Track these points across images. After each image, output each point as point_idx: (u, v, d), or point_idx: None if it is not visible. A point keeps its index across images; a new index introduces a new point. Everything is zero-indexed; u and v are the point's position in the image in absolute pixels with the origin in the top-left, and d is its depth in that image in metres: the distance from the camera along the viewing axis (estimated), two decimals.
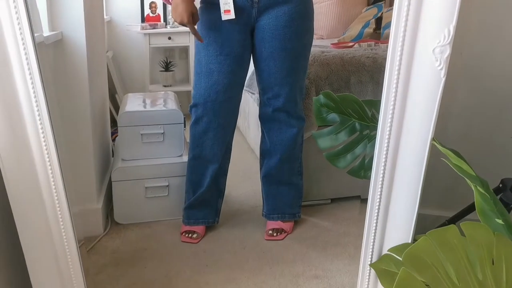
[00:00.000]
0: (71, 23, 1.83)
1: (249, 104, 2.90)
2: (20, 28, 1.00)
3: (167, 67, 3.80)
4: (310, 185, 2.23)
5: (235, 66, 1.82)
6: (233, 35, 1.78)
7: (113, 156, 2.46)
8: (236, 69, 1.83)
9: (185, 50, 3.84)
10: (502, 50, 1.57)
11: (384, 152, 1.02)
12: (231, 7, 1.73)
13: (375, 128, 1.28)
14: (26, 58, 1.00)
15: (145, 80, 3.72)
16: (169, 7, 3.70)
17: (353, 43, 2.63)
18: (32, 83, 1.01)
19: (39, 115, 1.03)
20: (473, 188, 0.89)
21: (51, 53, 1.77)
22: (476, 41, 1.57)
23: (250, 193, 2.43)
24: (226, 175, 2.04)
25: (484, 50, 1.57)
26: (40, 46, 1.57)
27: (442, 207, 1.77)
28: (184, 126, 2.22)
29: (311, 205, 2.27)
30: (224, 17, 1.74)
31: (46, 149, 1.05)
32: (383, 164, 1.03)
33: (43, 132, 1.05)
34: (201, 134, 1.91)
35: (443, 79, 0.93)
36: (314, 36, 3.23)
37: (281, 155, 1.96)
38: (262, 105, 1.97)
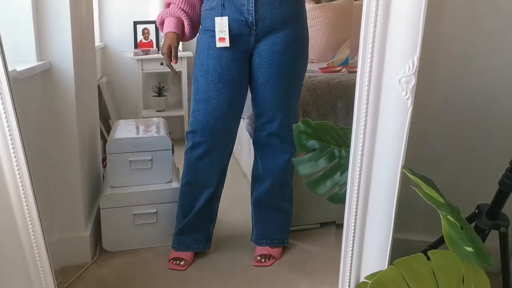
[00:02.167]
0: (59, 52, 1.85)
1: (242, 129, 2.92)
2: None
3: (160, 92, 3.84)
4: (299, 209, 2.24)
5: (233, 93, 1.84)
6: (232, 63, 1.80)
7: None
8: (234, 96, 1.85)
9: (178, 75, 3.88)
10: (473, 79, 1.59)
11: (357, 180, 1.04)
12: (226, 35, 1.76)
13: None
14: (0, 96, 1.02)
15: (138, 105, 3.75)
16: (161, 33, 3.75)
17: (341, 68, 2.66)
18: (7, 121, 1.02)
19: (14, 154, 1.04)
20: (441, 216, 0.89)
21: (39, 82, 1.80)
22: (448, 69, 1.59)
23: (241, 218, 2.43)
24: (219, 199, 2.04)
25: (456, 78, 1.59)
26: (26, 76, 1.60)
27: (427, 232, 1.77)
28: (173, 153, 2.24)
29: (300, 230, 2.27)
30: (219, 44, 1.77)
31: (23, 190, 1.06)
32: (356, 191, 1.04)
33: (18, 170, 1.06)
34: (197, 159, 1.91)
35: (410, 108, 0.94)
36: None
37: (272, 181, 1.97)
38: (256, 130, 1.98)
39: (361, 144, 1.00)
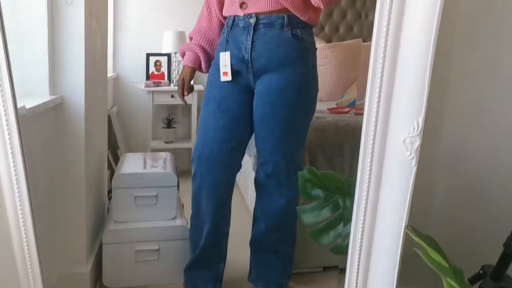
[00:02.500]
0: (72, 86, 1.88)
1: (249, 165, 2.92)
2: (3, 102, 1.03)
3: (169, 124, 3.87)
4: (302, 252, 2.21)
5: (230, 122, 1.82)
6: (232, 94, 1.82)
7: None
8: (231, 125, 1.82)
9: (188, 107, 3.91)
10: (480, 139, 1.58)
11: (359, 238, 1.03)
12: (228, 69, 1.80)
13: None
14: (9, 134, 1.03)
15: (147, 136, 3.77)
16: (173, 66, 3.81)
17: (349, 109, 2.67)
18: (12, 157, 1.04)
19: (18, 190, 1.05)
20: (443, 281, 0.88)
21: (50, 116, 1.82)
22: (454, 128, 1.58)
23: (245, 259, 2.39)
24: (225, 236, 1.99)
25: (462, 138, 1.58)
26: (36, 113, 1.62)
27: (433, 285, 1.73)
28: (178, 189, 2.24)
29: (302, 273, 2.24)
30: (222, 78, 1.82)
31: (24, 227, 1.06)
32: (358, 250, 1.03)
33: (21, 211, 1.07)
34: (197, 190, 1.90)
35: (415, 168, 0.94)
36: None
37: (267, 223, 1.93)
38: (257, 169, 1.97)
39: (364, 202, 0.99)
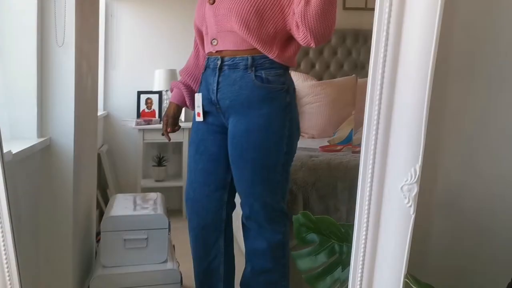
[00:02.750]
0: (61, 128, 1.85)
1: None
2: None
3: (159, 162, 3.83)
4: None
5: (209, 164, 1.83)
6: (208, 135, 1.83)
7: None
8: (210, 167, 1.83)
9: (178, 145, 3.89)
10: (478, 179, 1.56)
11: (358, 287, 0.99)
12: (201, 110, 1.82)
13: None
14: None
15: (137, 174, 3.73)
16: (164, 104, 3.80)
17: (341, 146, 2.66)
18: None
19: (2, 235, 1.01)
20: None
21: (37, 159, 1.78)
22: (449, 172, 1.56)
23: None
24: (220, 279, 1.93)
25: (460, 178, 1.57)
26: (24, 156, 1.58)
27: None
28: (169, 231, 2.19)
29: None
30: (197, 118, 1.85)
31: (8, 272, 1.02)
32: None
33: (6, 257, 1.02)
34: (189, 232, 1.90)
35: (413, 216, 0.92)
36: (305, 136, 3.33)
37: (252, 266, 1.87)
38: None
39: (362, 251, 0.96)
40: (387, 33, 0.83)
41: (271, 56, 1.68)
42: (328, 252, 1.32)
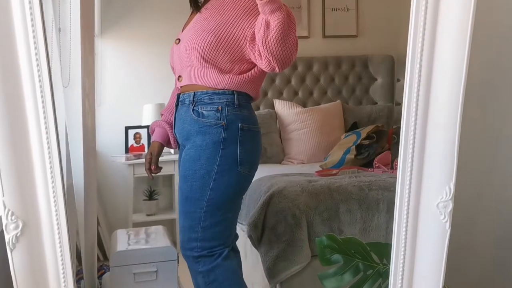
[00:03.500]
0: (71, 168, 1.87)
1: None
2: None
3: (150, 195, 3.83)
4: None
5: None
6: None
7: None
8: None
9: (169, 178, 3.90)
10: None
11: None
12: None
13: (378, 269, 1.32)
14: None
15: (128, 209, 3.71)
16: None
17: (336, 170, 2.74)
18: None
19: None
20: None
21: None
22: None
23: None
24: None
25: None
26: None
27: None
28: (178, 263, 2.20)
29: None
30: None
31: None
32: None
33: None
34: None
35: (449, 231, 0.99)
36: (294, 162, 3.41)
37: None
38: None
39: (401, 266, 1.02)
40: (421, 61, 0.92)
41: (220, 86, 1.72)
42: (353, 271, 1.38)
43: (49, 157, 1.01)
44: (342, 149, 3.02)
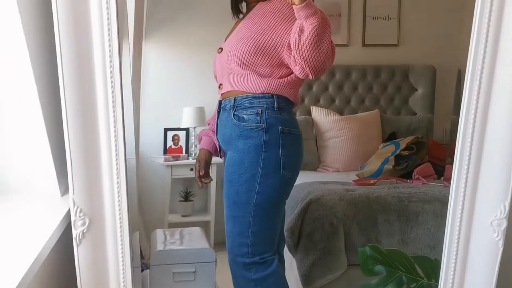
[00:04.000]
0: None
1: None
2: None
3: (186, 197, 3.89)
4: None
5: None
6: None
7: None
8: None
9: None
10: None
11: None
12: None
13: (422, 283, 1.33)
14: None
15: (164, 210, 3.78)
16: (191, 140, 3.89)
17: (374, 180, 2.74)
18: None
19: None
20: None
21: None
22: None
23: None
24: None
25: None
26: None
27: None
28: (216, 264, 2.24)
29: None
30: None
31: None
32: None
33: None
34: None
35: (501, 249, 0.99)
36: (330, 169, 3.41)
37: None
38: None
39: (450, 282, 1.03)
40: (481, 77, 0.93)
41: (258, 91, 1.74)
42: (396, 283, 1.38)
43: (116, 158, 1.06)
44: (380, 159, 3.01)
